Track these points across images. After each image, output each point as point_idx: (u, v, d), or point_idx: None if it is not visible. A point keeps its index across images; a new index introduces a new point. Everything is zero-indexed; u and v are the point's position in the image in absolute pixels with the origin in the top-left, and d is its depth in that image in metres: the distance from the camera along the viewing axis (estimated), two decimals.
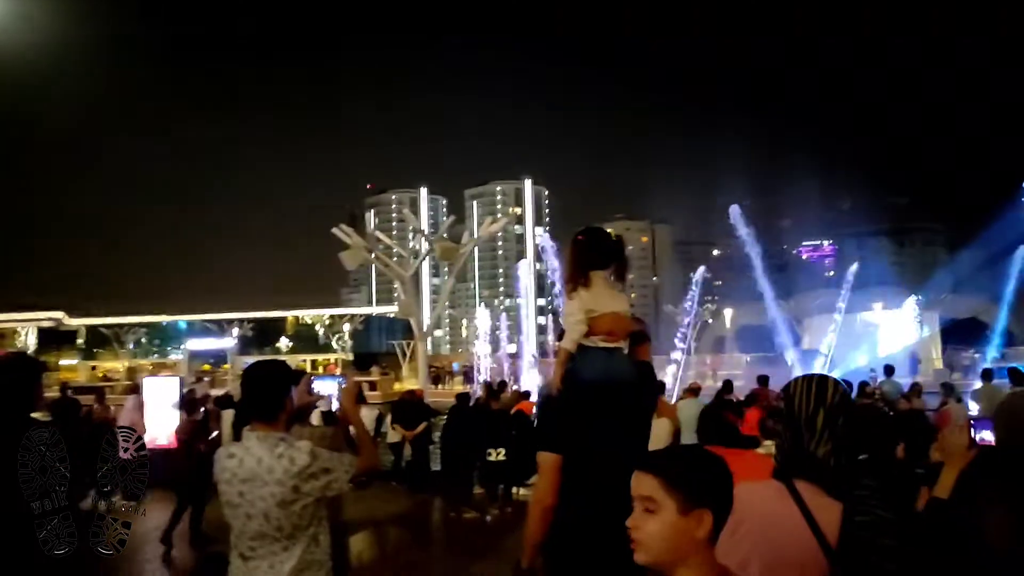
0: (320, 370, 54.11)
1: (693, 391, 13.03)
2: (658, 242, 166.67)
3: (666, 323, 48.77)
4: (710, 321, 52.94)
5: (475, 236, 25.74)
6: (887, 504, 2.25)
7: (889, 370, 15.83)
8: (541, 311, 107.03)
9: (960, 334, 40.36)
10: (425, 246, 25.19)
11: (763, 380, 14.05)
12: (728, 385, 13.77)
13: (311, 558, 3.21)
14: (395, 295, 27.46)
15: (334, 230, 24.54)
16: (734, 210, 34.12)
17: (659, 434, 5.15)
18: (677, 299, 49.05)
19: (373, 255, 25.35)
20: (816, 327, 38.81)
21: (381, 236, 30.60)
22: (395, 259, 26.77)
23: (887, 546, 2.16)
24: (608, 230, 3.70)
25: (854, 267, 37.54)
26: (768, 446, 6.16)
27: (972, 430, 2.83)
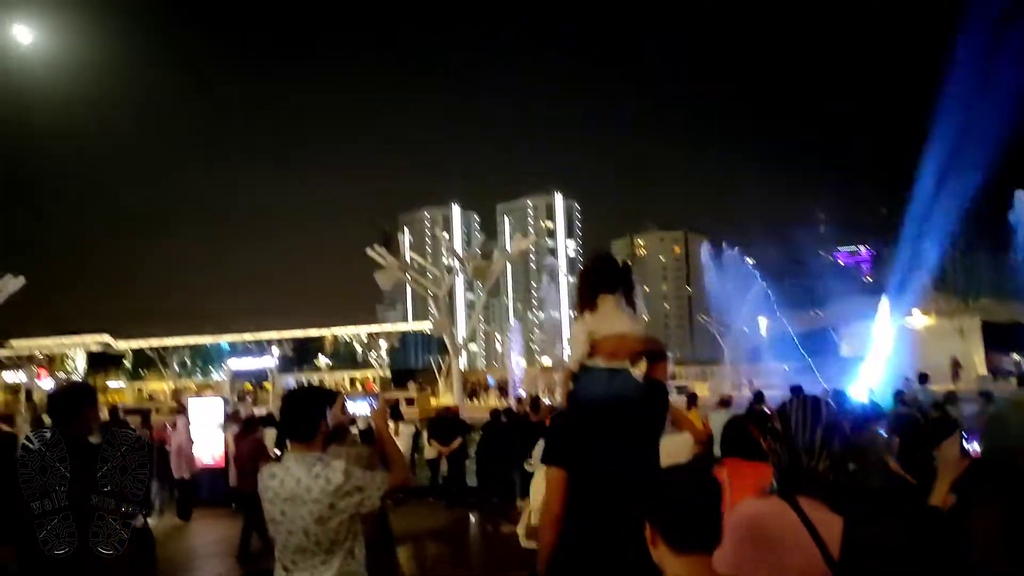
0: (359, 387, 54.72)
1: (724, 402, 13.05)
2: (692, 252, 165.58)
3: (700, 333, 48.40)
4: (746, 330, 52.45)
5: (506, 253, 26.04)
6: (887, 515, 2.39)
7: (923, 378, 15.67)
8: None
9: (1004, 339, 39.50)
10: (457, 264, 25.49)
11: (796, 391, 14.01)
12: (759, 396, 13.75)
13: (348, 570, 3.45)
14: (430, 311, 27.76)
15: (369, 251, 24.95)
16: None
17: (678, 448, 5.28)
18: (711, 309, 48.79)
19: (408, 276, 25.73)
20: (854, 334, 38.31)
21: (415, 256, 31.01)
22: (429, 277, 27.11)
23: (887, 556, 2.31)
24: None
25: (923, 275, 36.65)
26: None
27: (964, 441, 2.96)
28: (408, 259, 27.11)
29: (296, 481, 3.40)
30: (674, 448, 5.57)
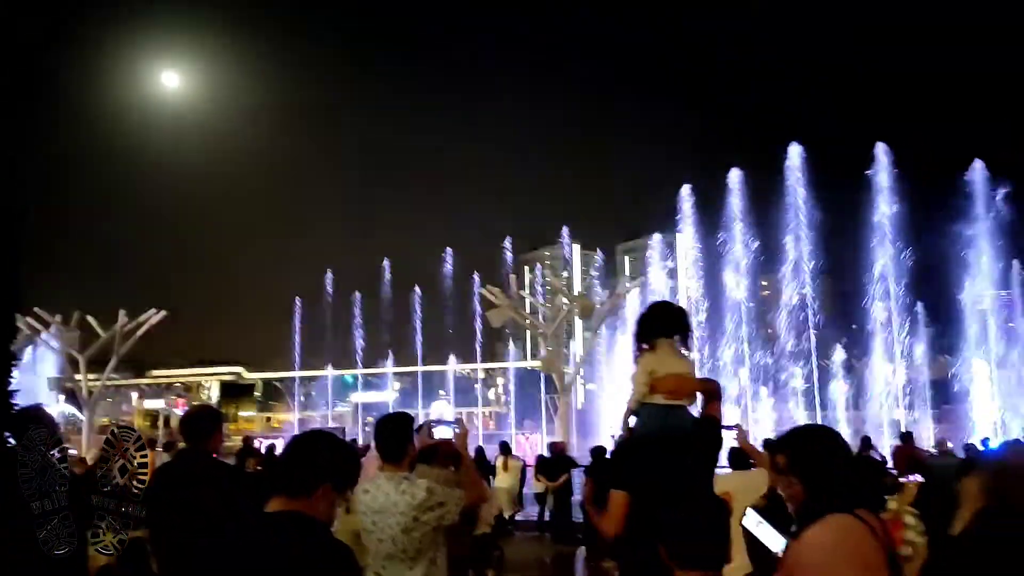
0: (476, 423, 55.74)
1: None
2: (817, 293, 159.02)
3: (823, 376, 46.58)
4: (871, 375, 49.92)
5: (615, 294, 26.65)
6: None
7: None
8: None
9: None
10: (566, 304, 26.09)
11: (905, 437, 13.51)
12: (866, 441, 13.42)
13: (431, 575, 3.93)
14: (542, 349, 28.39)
15: (482, 290, 25.84)
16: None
17: (754, 483, 5.50)
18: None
19: (526, 319, 26.48)
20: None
21: (526, 295, 31.73)
22: (541, 316, 27.70)
23: None
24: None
25: None
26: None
27: None
28: (519, 298, 27.85)
29: (385, 496, 3.93)
30: (750, 482, 5.78)
